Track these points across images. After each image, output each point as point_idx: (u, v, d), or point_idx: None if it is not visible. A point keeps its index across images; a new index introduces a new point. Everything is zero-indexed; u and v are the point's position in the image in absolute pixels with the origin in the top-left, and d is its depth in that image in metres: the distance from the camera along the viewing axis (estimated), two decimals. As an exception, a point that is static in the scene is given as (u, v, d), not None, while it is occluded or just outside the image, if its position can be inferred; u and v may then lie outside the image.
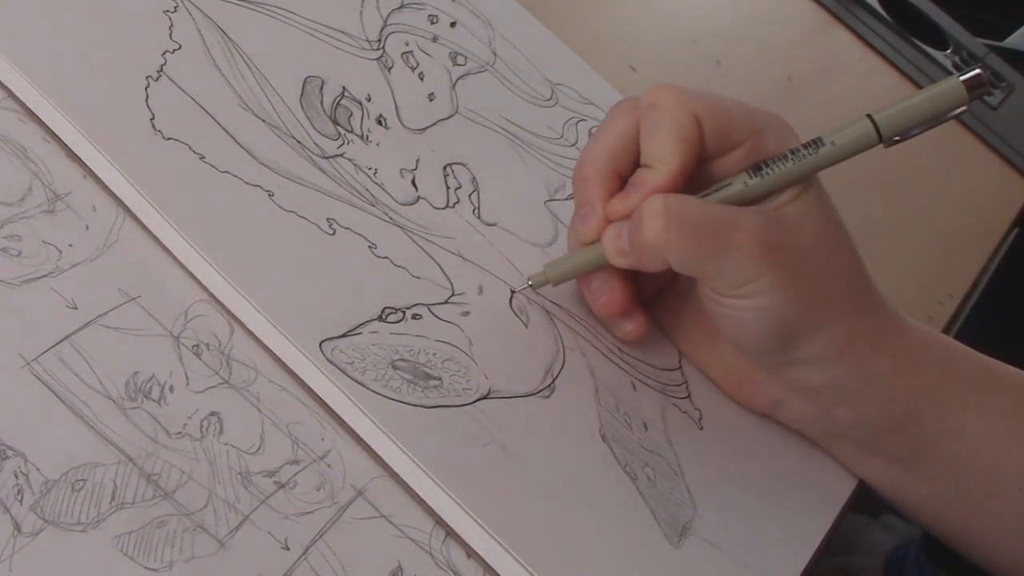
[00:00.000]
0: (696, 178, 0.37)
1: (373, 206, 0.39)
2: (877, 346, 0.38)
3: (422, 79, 0.45)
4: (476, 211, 0.42)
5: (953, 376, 0.40)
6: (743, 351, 0.39)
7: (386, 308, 0.37)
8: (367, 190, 0.40)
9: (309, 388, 0.34)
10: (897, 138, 0.36)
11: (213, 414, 0.32)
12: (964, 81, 0.35)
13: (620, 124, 0.38)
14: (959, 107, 0.35)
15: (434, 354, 0.36)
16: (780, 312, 0.36)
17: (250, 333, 0.34)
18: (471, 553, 0.33)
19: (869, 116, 0.36)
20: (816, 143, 0.36)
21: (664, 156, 0.36)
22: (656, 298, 0.42)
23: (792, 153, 0.36)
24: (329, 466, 0.33)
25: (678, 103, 0.36)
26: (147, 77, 0.37)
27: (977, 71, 0.35)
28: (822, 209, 0.37)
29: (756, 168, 0.36)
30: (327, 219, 0.38)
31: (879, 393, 0.39)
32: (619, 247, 0.37)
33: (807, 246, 0.36)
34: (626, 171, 0.38)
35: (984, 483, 0.40)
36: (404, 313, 0.37)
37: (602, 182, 0.38)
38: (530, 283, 0.39)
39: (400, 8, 0.47)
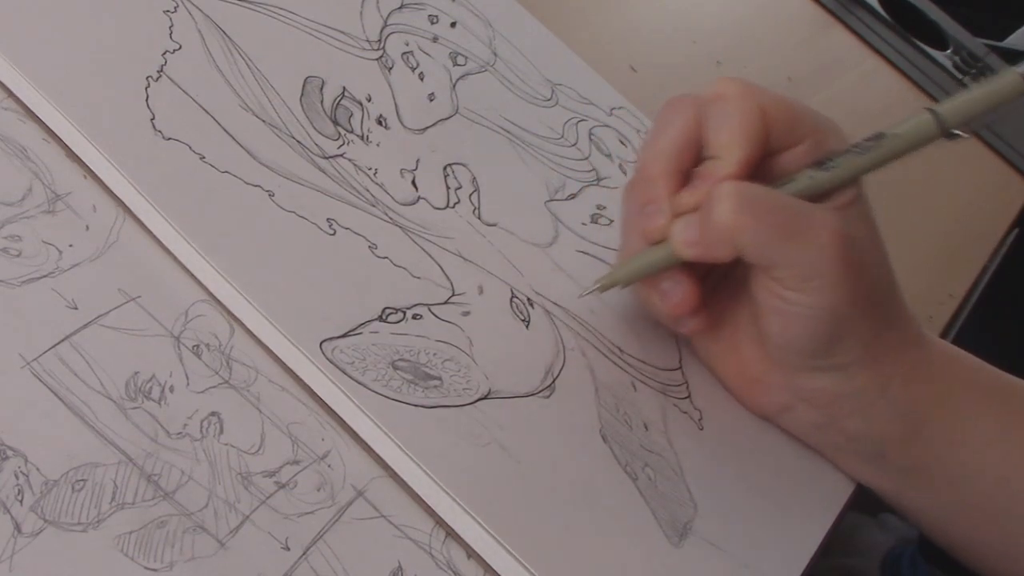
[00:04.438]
0: (759, 173, 0.36)
1: (373, 206, 0.39)
2: (898, 354, 0.38)
3: (422, 79, 0.45)
4: (476, 211, 0.42)
5: (963, 387, 0.40)
6: (778, 349, 0.38)
7: (386, 308, 0.37)
8: (367, 190, 0.40)
9: (309, 388, 0.34)
10: (956, 132, 0.36)
11: (213, 414, 0.32)
12: (1023, 73, 0.35)
13: (679, 121, 0.37)
14: (1017, 96, 0.35)
15: (434, 354, 0.36)
16: (837, 313, 0.36)
17: (250, 333, 0.34)
18: (471, 553, 0.33)
19: (930, 109, 0.36)
20: (878, 137, 0.36)
21: (731, 146, 0.35)
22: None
23: (855, 147, 0.36)
24: (329, 466, 0.33)
25: (745, 94, 0.36)
26: (147, 77, 0.37)
27: None
28: (870, 216, 0.37)
29: (820, 162, 0.36)
30: (327, 219, 0.38)
31: (891, 403, 0.38)
32: (688, 238, 0.36)
33: (864, 250, 0.36)
34: (689, 168, 0.37)
35: (991, 495, 0.39)
36: (404, 313, 0.37)
37: (668, 179, 0.37)
38: (598, 286, 0.39)
39: (400, 8, 0.47)
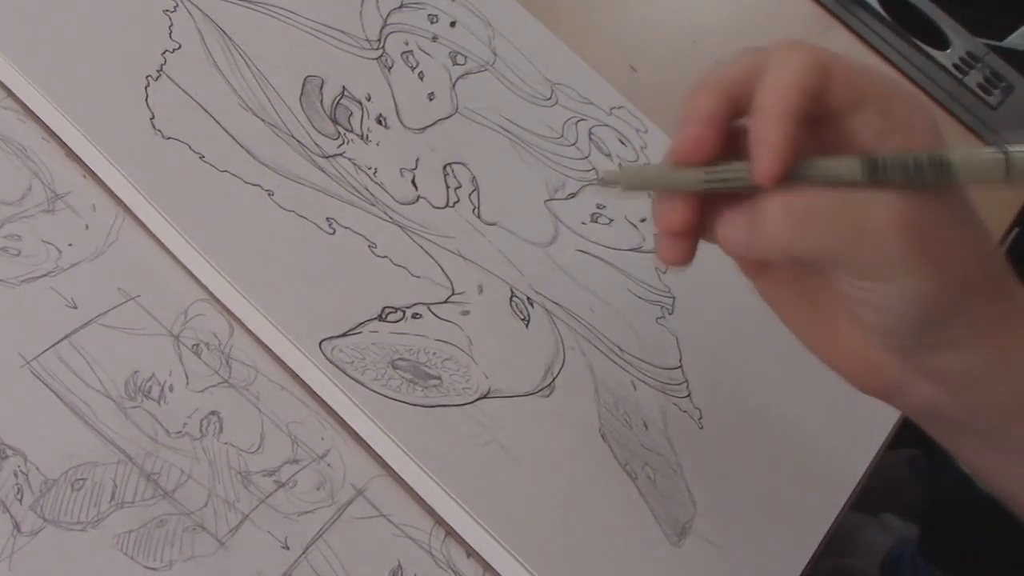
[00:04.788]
0: (821, 138, 0.34)
1: (373, 205, 0.39)
2: (1014, 329, 0.36)
3: (422, 79, 0.45)
4: (476, 210, 0.42)
5: None
6: (879, 335, 0.36)
7: (386, 307, 0.37)
8: (367, 189, 0.40)
9: (309, 387, 0.34)
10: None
11: (213, 413, 0.32)
12: None
13: (746, 61, 0.35)
14: None
15: (434, 353, 0.36)
16: (929, 296, 0.34)
17: (250, 332, 0.34)
18: (471, 552, 0.33)
19: (1004, 151, 0.34)
20: (941, 164, 0.33)
21: (778, 95, 0.33)
22: (762, 272, 0.39)
23: (915, 166, 0.33)
24: (329, 465, 0.33)
25: (809, 50, 0.33)
26: (147, 77, 0.37)
27: None
28: (956, 191, 0.35)
29: (873, 169, 0.33)
30: (327, 218, 0.38)
31: (1015, 378, 0.37)
32: (736, 239, 0.34)
33: (948, 222, 0.34)
34: (741, 107, 0.35)
35: None
36: (404, 312, 0.37)
37: (716, 101, 0.35)
38: (601, 179, 0.36)
39: (400, 8, 0.47)
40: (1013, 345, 0.37)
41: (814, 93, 0.34)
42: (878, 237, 0.33)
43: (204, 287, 0.34)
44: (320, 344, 0.34)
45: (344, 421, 0.34)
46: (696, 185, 0.36)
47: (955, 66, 0.83)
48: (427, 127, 0.44)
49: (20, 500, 0.28)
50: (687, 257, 0.38)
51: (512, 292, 0.40)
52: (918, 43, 0.82)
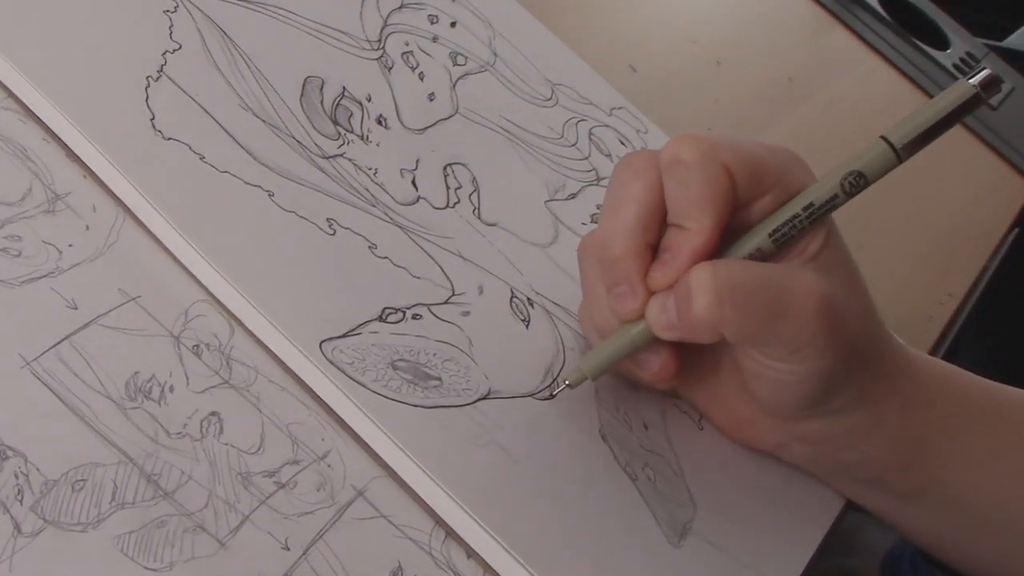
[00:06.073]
0: (725, 229, 0.35)
1: (373, 206, 0.39)
2: (891, 389, 0.37)
3: (422, 79, 0.45)
4: (476, 211, 0.42)
5: (956, 410, 0.39)
6: (768, 408, 0.37)
7: (386, 308, 0.37)
8: (367, 190, 0.40)
9: (309, 388, 0.34)
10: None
11: (213, 414, 0.32)
12: (976, 84, 0.34)
13: (638, 189, 0.35)
14: (972, 110, 0.34)
15: (434, 354, 0.36)
16: (827, 372, 0.34)
17: (250, 333, 0.34)
18: (471, 553, 0.33)
19: (884, 138, 0.34)
20: (832, 199, 0.34)
21: (697, 215, 0.33)
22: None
23: (807, 213, 0.34)
24: (329, 466, 0.33)
25: (706, 155, 0.33)
26: (147, 77, 0.37)
27: (987, 71, 0.34)
28: (845, 252, 0.36)
29: (779, 232, 0.35)
30: (327, 219, 0.38)
31: (888, 436, 0.37)
32: (667, 322, 0.34)
33: (844, 296, 0.35)
34: (656, 238, 0.35)
35: (987, 516, 0.39)
36: (404, 313, 0.37)
37: (636, 258, 0.35)
38: (568, 383, 0.37)
39: (400, 8, 0.47)
40: (888, 408, 0.37)
41: (728, 203, 0.34)
42: (801, 317, 0.33)
43: (204, 288, 0.34)
44: (320, 345, 0.34)
45: (344, 422, 0.34)
46: (651, 333, 0.35)
47: (955, 66, 0.83)
48: (427, 128, 0.44)
49: (20, 501, 0.28)
50: (690, 374, 0.38)
51: (512, 293, 0.40)
52: (918, 43, 0.82)
